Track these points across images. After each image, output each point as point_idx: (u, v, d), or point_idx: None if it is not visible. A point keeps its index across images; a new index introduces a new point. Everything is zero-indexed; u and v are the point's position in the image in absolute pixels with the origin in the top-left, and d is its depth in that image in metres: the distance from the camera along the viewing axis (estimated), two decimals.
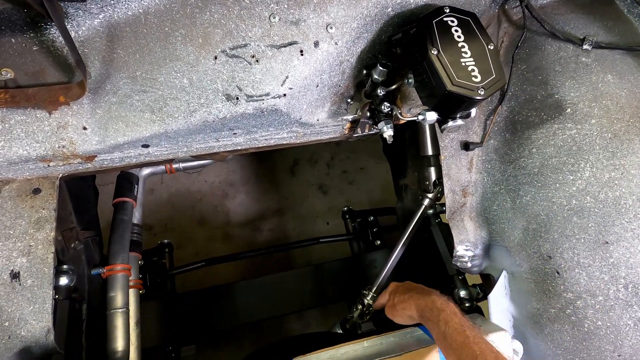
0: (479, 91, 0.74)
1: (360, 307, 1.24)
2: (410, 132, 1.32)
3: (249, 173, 2.17)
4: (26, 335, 0.77)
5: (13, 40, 0.76)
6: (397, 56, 0.88)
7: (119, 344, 1.03)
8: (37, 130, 0.80)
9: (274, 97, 0.79)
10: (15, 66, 0.77)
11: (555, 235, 0.86)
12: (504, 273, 0.97)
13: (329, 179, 2.25)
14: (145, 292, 1.35)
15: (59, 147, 0.81)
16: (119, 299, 1.08)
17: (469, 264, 1.03)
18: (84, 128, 0.81)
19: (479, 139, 1.03)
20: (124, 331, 1.05)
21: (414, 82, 0.85)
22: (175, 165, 1.40)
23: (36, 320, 0.77)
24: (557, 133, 0.89)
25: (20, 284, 0.79)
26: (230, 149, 0.98)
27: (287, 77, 0.78)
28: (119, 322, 1.06)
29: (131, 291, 1.16)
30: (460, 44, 0.77)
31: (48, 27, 0.76)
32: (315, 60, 0.79)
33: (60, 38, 0.78)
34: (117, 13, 0.76)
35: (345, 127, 1.03)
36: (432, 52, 0.75)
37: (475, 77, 0.75)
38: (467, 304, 1.10)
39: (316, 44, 0.78)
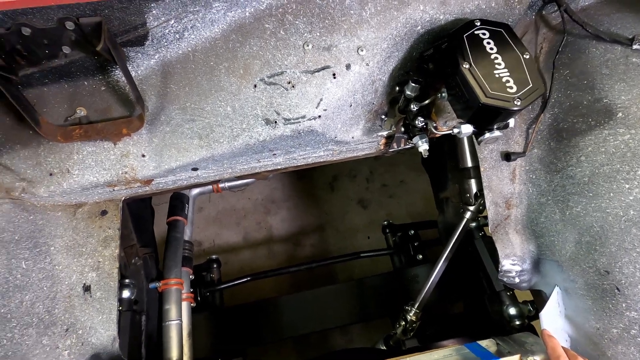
0: (515, 102, 0.73)
1: (403, 323, 1.23)
2: (449, 144, 1.30)
3: (290, 190, 2.24)
4: (96, 342, 0.85)
5: (85, 83, 0.88)
6: (429, 71, 0.89)
7: (174, 355, 1.11)
8: (104, 160, 0.91)
9: (309, 119, 0.83)
10: (88, 105, 0.89)
11: (612, 248, 0.80)
12: (557, 289, 0.92)
13: (369, 193, 2.25)
14: (196, 305, 1.43)
15: (122, 173, 0.91)
16: (173, 312, 1.16)
17: (517, 279, 0.98)
18: (143, 155, 0.91)
19: (521, 149, 0.99)
20: (178, 342, 1.12)
21: (448, 96, 0.86)
22: (221, 185, 1.50)
23: (104, 329, 0.86)
24: (608, 139, 0.84)
25: (91, 296, 0.88)
26: (270, 169, 1.04)
27: (321, 100, 0.82)
28: (173, 334, 1.13)
29: (184, 304, 1.24)
30: (493, 56, 0.77)
31: (113, 69, 0.87)
32: (347, 81, 0.82)
33: (123, 79, 0.89)
34: (170, 52, 0.85)
35: (380, 143, 1.05)
36: (464, 66, 0.76)
37: (511, 87, 0.74)
38: (517, 322, 1.04)
39: (348, 66, 0.81)
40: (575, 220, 0.86)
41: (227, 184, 1.51)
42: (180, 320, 1.17)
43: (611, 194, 0.81)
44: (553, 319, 0.91)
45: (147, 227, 1.41)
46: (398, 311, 1.28)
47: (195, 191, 1.51)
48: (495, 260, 1.11)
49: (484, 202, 1.08)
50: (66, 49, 0.78)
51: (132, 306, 1.12)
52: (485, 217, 1.21)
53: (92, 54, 0.81)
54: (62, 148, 0.89)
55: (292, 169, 1.08)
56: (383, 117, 1.01)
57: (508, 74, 0.75)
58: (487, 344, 0.91)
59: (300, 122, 0.83)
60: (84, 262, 0.91)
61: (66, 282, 0.88)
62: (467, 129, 0.83)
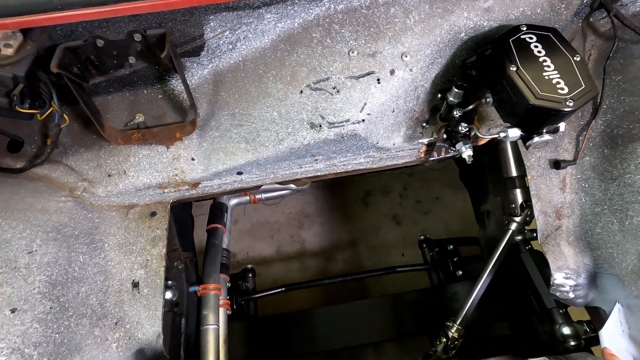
0: (567, 102, 0.71)
1: (444, 340, 1.17)
2: (489, 155, 1.27)
3: (322, 204, 2.25)
4: (141, 337, 0.88)
5: (145, 91, 0.95)
6: (472, 78, 0.89)
7: (211, 359, 1.11)
8: (157, 162, 0.96)
9: (353, 123, 0.85)
10: (145, 112, 0.96)
11: None
12: (618, 306, 0.85)
13: (402, 209, 2.22)
14: (231, 313, 1.44)
15: (173, 175, 0.97)
16: (211, 316, 1.18)
17: (571, 294, 0.92)
18: (192, 159, 0.96)
19: (571, 157, 0.95)
20: (215, 347, 1.13)
21: (493, 102, 0.85)
22: (258, 196, 1.54)
23: (150, 325, 0.89)
24: None
25: (139, 292, 0.92)
26: (311, 175, 1.06)
27: (365, 104, 0.84)
28: (210, 338, 1.14)
29: (221, 310, 1.25)
30: (541, 59, 0.76)
31: (170, 79, 0.94)
32: (391, 87, 0.84)
33: (178, 87, 0.96)
34: (222, 62, 0.91)
35: (421, 151, 1.04)
36: (511, 68, 0.75)
37: (562, 89, 0.73)
38: (572, 343, 0.97)
39: (392, 72, 0.83)
40: (637, 230, 0.81)
41: (264, 195, 1.55)
42: (218, 326, 1.18)
43: None
44: (615, 339, 0.84)
45: (188, 234, 1.46)
46: (436, 330, 1.23)
47: (233, 201, 1.56)
48: (545, 276, 1.05)
49: (531, 213, 1.04)
50: (132, 59, 0.85)
51: (174, 308, 1.15)
52: (532, 231, 1.16)
53: (153, 64, 0.89)
54: (120, 151, 0.96)
55: (332, 176, 1.09)
56: (424, 124, 1.01)
57: (558, 75, 0.74)
58: None
59: (344, 125, 0.85)
60: (134, 259, 0.95)
61: (117, 278, 0.92)
62: (515, 132, 0.81)
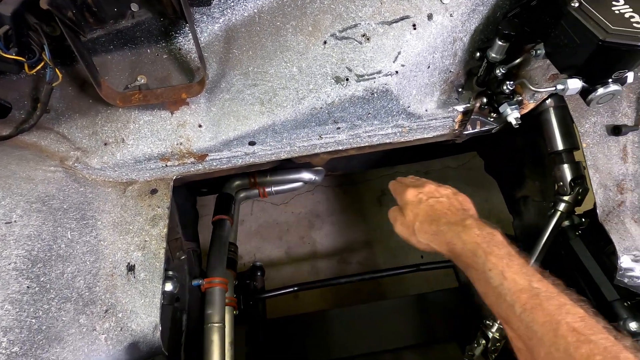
0: None
1: (483, 342, 1.02)
2: (524, 135, 1.15)
3: (334, 204, 2.12)
4: (135, 329, 0.75)
5: (148, 50, 0.85)
6: (517, 28, 0.79)
7: None
8: (160, 129, 0.85)
9: (385, 75, 0.74)
10: (148, 73, 0.85)
11: None
12: None
13: None
14: (238, 314, 1.30)
15: (177, 144, 0.85)
16: (216, 314, 1.04)
17: None
18: (199, 126, 0.85)
19: (632, 122, 0.84)
20: (220, 347, 0.99)
21: (544, 53, 0.74)
22: (267, 189, 1.42)
23: (146, 314, 0.76)
24: None
25: (134, 277, 0.79)
26: (331, 149, 0.94)
27: (399, 53, 0.73)
28: (215, 337, 1.00)
29: (227, 309, 1.12)
30: None
31: (177, 35, 0.84)
32: (428, 34, 0.73)
33: (185, 46, 0.86)
34: (235, 15, 0.81)
35: (455, 120, 0.93)
36: (573, 4, 0.65)
37: (638, 23, 0.62)
38: None
39: (430, 16, 0.73)
40: None
41: (274, 188, 1.43)
42: (223, 324, 1.04)
43: None
44: None
45: (191, 224, 1.34)
46: (467, 334, 1.08)
47: (241, 194, 1.45)
48: (602, 265, 0.91)
49: (583, 191, 0.91)
50: (134, 7, 0.75)
51: (174, 302, 1.01)
52: (580, 216, 1.03)
53: (158, 15, 0.79)
54: (119, 117, 0.86)
55: (354, 151, 0.98)
56: (460, 89, 0.90)
57: (631, 10, 0.63)
58: None
59: (375, 78, 0.74)
60: (130, 240, 0.83)
61: (110, 259, 0.80)
62: (575, 84, 0.70)
